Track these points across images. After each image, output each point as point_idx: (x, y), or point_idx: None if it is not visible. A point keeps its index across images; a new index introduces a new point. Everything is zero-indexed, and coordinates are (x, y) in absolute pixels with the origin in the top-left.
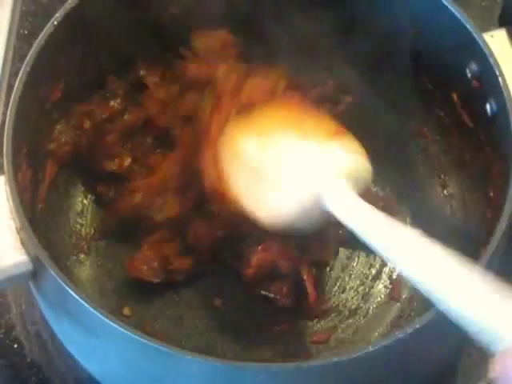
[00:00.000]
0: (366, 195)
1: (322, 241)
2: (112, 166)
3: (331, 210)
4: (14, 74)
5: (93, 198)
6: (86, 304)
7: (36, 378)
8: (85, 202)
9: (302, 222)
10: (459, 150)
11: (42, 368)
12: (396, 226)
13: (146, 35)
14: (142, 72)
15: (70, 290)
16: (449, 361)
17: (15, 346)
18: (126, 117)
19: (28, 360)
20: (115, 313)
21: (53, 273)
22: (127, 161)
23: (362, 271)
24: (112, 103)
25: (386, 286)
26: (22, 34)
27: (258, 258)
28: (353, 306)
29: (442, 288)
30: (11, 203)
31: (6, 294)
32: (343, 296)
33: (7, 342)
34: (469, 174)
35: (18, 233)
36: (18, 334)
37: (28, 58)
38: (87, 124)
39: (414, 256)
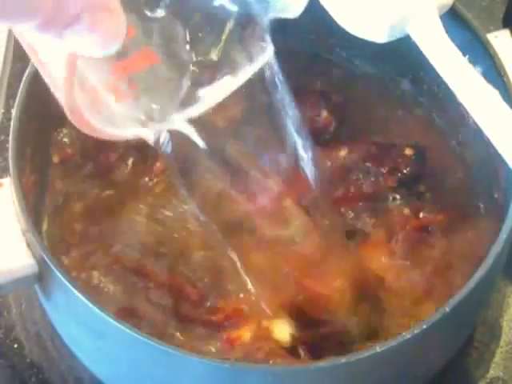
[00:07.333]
0: None
1: None
2: (113, 176)
3: (413, 35)
4: (14, 74)
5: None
6: (92, 305)
7: (36, 378)
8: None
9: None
10: None
11: (42, 368)
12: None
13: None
14: None
15: (76, 292)
16: (449, 361)
17: (15, 345)
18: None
19: (28, 360)
20: None
21: (59, 275)
22: (129, 167)
23: None
24: None
25: None
26: None
27: None
28: None
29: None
30: (16, 205)
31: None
32: None
33: (7, 341)
34: None
35: (23, 235)
36: (17, 334)
37: None
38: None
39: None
